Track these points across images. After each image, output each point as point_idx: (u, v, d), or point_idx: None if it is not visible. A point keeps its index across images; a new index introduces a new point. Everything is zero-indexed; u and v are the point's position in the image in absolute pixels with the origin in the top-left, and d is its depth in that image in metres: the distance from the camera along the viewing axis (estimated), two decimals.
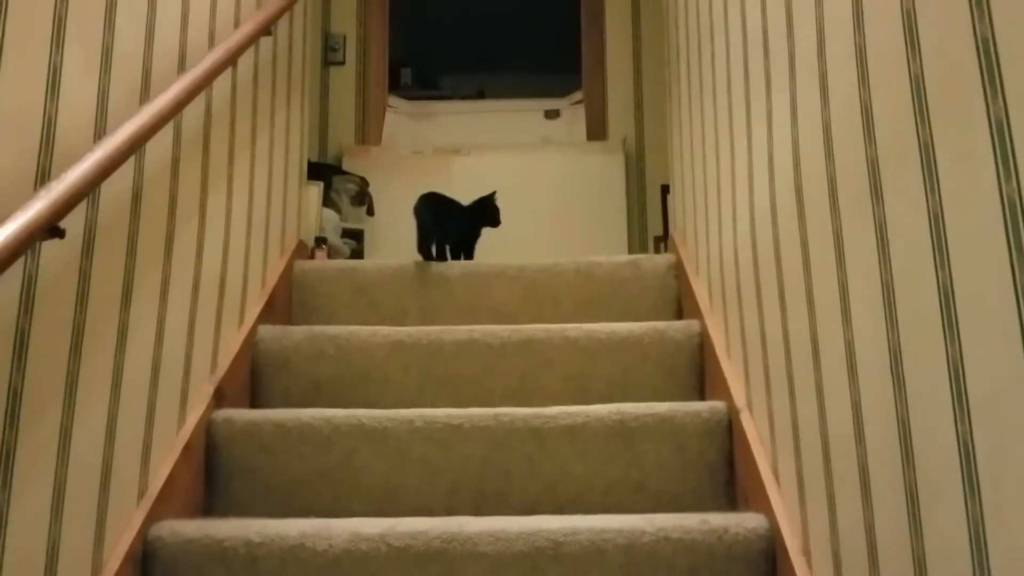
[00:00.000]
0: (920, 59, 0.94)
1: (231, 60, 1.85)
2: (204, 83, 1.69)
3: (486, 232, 2.63)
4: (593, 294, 2.40)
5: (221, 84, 1.97)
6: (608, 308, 2.38)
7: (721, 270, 1.98)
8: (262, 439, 1.83)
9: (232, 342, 2.04)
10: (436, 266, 2.45)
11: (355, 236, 3.26)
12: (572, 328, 2.13)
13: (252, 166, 2.20)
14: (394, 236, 2.71)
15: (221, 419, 1.85)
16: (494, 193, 2.64)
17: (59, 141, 1.29)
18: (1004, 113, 0.77)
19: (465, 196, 2.73)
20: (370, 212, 3.40)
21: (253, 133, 2.20)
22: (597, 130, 3.65)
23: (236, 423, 1.84)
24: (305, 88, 2.76)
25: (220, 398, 1.92)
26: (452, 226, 2.56)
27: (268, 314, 2.25)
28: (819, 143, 1.26)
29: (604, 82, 3.66)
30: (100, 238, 1.42)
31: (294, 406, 2.06)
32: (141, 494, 1.57)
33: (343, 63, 3.66)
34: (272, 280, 2.34)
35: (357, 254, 3.24)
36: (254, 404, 2.10)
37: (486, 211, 2.62)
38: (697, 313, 2.18)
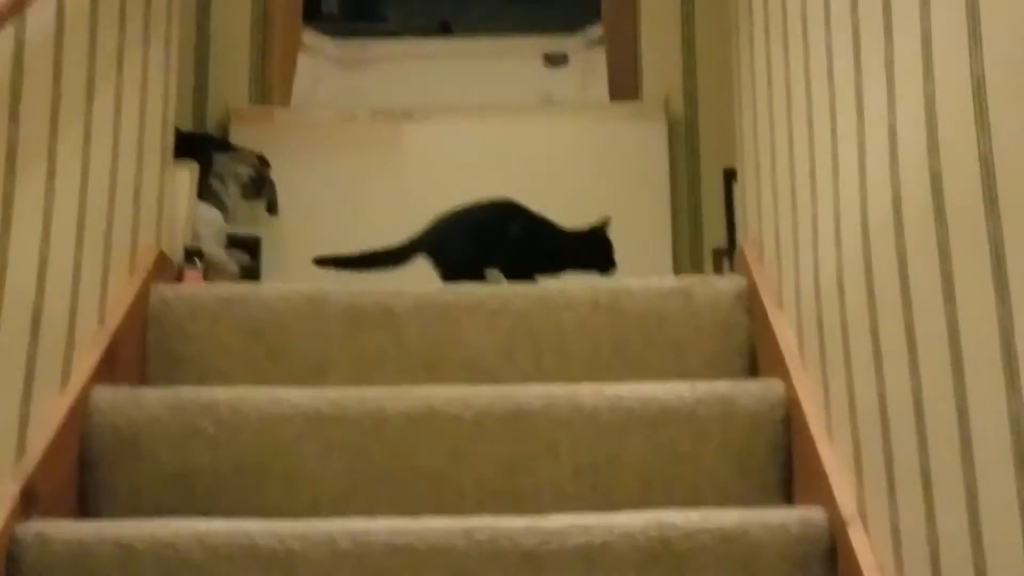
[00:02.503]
0: None
1: None
2: (9, 8, 1.67)
3: None
4: (619, 338, 2.41)
5: (39, 14, 1.95)
6: (642, 361, 2.39)
7: (818, 303, 1.99)
8: (96, 568, 1.80)
9: (50, 415, 2.02)
10: (375, 295, 2.44)
11: (248, 246, 3.27)
12: (587, 392, 2.13)
13: (87, 138, 2.19)
14: (308, 246, 2.69)
15: (31, 536, 1.82)
16: (607, 222, 2.71)
17: None
18: None
19: (422, 180, 2.70)
20: (271, 209, 3.40)
21: (89, 88, 2.20)
22: (625, 85, 3.67)
23: (54, 542, 1.82)
24: (173, 18, 2.75)
25: (30, 503, 1.89)
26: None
27: (108, 369, 2.24)
28: (967, 108, 1.26)
29: (636, 12, 3.68)
30: None
31: (148, 513, 2.04)
32: None
33: None
34: (116, 315, 2.32)
35: (251, 273, 3.25)
36: (84, 511, 2.09)
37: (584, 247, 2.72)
38: (782, 369, 2.19)
